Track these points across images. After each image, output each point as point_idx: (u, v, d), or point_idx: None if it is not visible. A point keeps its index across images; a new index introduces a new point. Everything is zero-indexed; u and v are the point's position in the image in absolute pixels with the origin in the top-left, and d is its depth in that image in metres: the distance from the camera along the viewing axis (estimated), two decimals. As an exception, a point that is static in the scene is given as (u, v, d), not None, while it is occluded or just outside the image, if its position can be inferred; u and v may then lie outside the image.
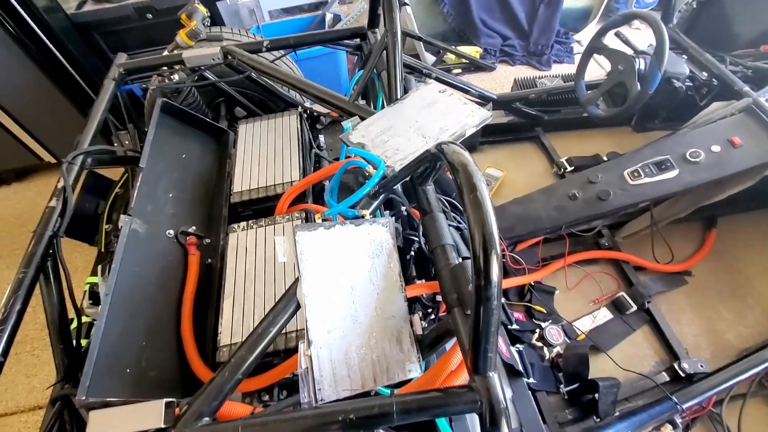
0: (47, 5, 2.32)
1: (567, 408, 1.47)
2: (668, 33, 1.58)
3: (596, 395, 1.39)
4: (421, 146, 1.12)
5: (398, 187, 1.30)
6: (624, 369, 1.55)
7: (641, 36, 3.58)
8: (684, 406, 1.32)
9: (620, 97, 2.15)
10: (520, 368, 1.32)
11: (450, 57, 3.65)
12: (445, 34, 3.79)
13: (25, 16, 2.22)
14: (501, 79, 3.63)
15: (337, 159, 1.58)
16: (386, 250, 1.01)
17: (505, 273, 1.77)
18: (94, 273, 1.60)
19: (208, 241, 1.39)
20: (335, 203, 1.08)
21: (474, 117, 1.18)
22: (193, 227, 1.37)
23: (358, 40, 1.93)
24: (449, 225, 1.08)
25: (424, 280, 1.34)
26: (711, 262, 1.90)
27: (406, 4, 3.36)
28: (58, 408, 1.04)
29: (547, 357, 1.60)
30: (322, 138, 1.73)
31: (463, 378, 0.85)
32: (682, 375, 1.53)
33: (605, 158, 2.20)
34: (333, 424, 0.71)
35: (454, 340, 0.90)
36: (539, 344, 1.63)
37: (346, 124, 1.30)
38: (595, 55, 1.93)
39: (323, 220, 0.98)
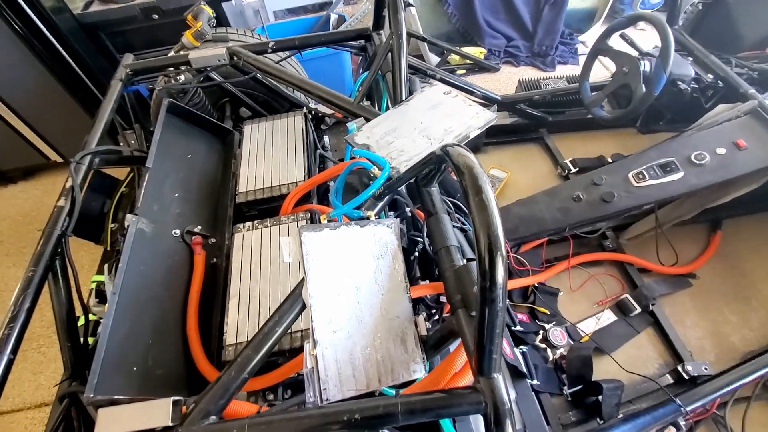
0: (54, 5, 2.34)
1: (570, 410, 1.47)
2: (673, 35, 1.58)
3: (600, 397, 1.39)
4: (426, 148, 1.13)
5: (402, 188, 1.30)
6: (628, 371, 1.55)
7: (646, 37, 3.57)
8: (688, 409, 1.32)
9: (625, 99, 2.15)
10: (524, 370, 1.32)
11: (454, 58, 3.65)
12: (449, 35, 3.80)
13: (33, 16, 2.24)
14: (505, 80, 3.63)
15: (341, 160, 1.59)
16: (391, 251, 1.01)
17: (509, 274, 1.77)
18: (99, 272, 1.61)
19: (213, 240, 1.40)
20: (340, 204, 1.09)
21: (479, 119, 1.19)
22: (199, 227, 1.38)
23: (362, 42, 1.93)
24: (453, 226, 1.08)
25: (428, 281, 1.34)
26: (716, 265, 1.90)
27: (410, 4, 3.37)
28: (65, 405, 1.05)
29: (550, 358, 1.60)
30: (326, 139, 1.73)
31: (467, 379, 0.85)
32: (686, 377, 1.53)
33: (610, 160, 2.19)
34: (338, 424, 0.72)
35: (459, 341, 0.91)
36: (543, 346, 1.63)
37: (351, 125, 1.31)
38: (599, 57, 1.92)
39: (329, 221, 0.99)
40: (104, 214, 1.81)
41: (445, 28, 3.76)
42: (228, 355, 1.05)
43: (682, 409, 1.30)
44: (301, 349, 1.05)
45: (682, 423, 1.37)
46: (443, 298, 1.33)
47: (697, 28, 2.28)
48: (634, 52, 1.79)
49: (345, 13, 3.55)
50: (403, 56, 1.30)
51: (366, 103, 1.59)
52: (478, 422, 1.25)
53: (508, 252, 1.77)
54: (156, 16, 2.58)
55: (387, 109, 1.54)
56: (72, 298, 1.11)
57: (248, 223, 1.31)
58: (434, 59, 3.66)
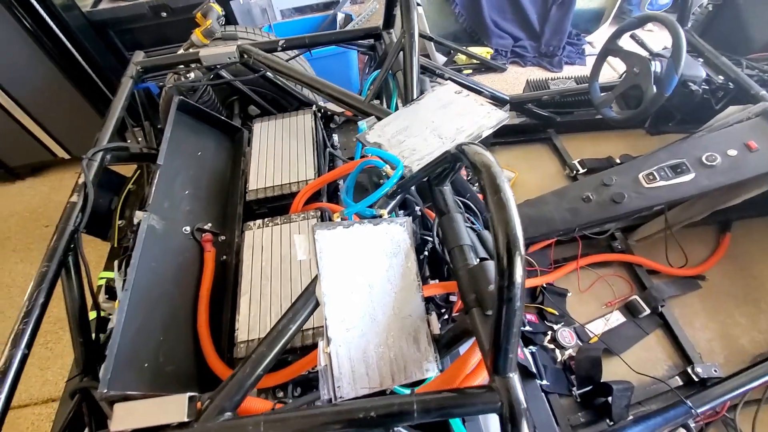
0: (64, 3, 2.35)
1: (579, 411, 1.46)
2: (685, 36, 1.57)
3: (609, 398, 1.39)
4: (438, 147, 1.13)
5: (412, 187, 1.30)
6: (637, 372, 1.55)
7: (654, 38, 3.56)
8: (698, 411, 1.31)
9: (633, 100, 2.14)
10: (534, 370, 1.32)
11: (461, 57, 3.64)
12: (456, 35, 3.79)
13: (43, 13, 2.25)
14: (512, 80, 3.63)
15: (351, 158, 1.59)
16: (404, 249, 1.01)
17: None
18: (107, 268, 1.62)
19: (223, 238, 1.40)
20: (352, 202, 1.09)
21: (491, 118, 1.19)
22: (209, 224, 1.38)
23: (371, 41, 1.93)
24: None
25: (437, 280, 1.34)
26: (725, 267, 1.89)
27: (418, 4, 3.37)
28: (77, 400, 1.06)
29: (559, 359, 1.60)
30: (335, 137, 1.73)
31: (481, 378, 0.85)
32: (696, 379, 1.52)
33: (618, 161, 2.19)
34: (354, 422, 0.72)
35: (472, 340, 0.91)
36: (551, 346, 1.62)
37: (361, 123, 1.31)
38: (608, 57, 1.92)
39: (342, 219, 0.99)
40: (111, 210, 1.82)
41: (452, 27, 3.76)
42: (240, 352, 1.05)
43: (693, 410, 1.29)
44: (311, 347, 1.05)
45: (692, 425, 1.36)
46: (453, 298, 1.33)
47: (706, 29, 2.27)
48: (644, 53, 1.78)
49: (352, 12, 3.55)
50: (414, 55, 1.30)
51: (375, 102, 1.59)
52: (487, 422, 1.25)
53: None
54: (164, 14, 2.59)
55: (396, 108, 1.54)
56: (84, 294, 1.12)
57: (259, 221, 1.32)
58: (441, 59, 3.66)
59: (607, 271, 1.91)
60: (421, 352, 0.92)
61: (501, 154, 2.39)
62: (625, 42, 1.87)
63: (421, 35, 2.05)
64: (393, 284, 0.96)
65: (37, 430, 2.04)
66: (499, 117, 1.18)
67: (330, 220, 1.29)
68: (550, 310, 1.72)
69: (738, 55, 2.09)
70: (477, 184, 2.02)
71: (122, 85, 1.56)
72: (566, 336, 1.63)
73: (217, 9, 1.93)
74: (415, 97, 1.32)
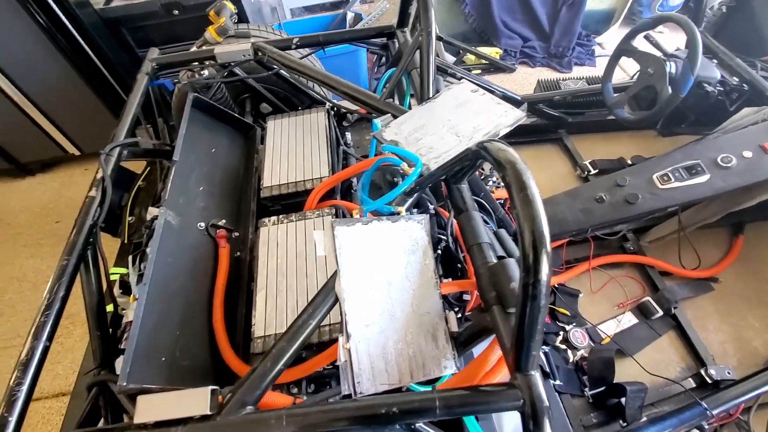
0: (78, 0, 2.36)
1: (592, 411, 1.46)
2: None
3: (622, 399, 1.38)
4: (455, 145, 1.13)
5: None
6: (651, 374, 1.54)
7: (663, 39, 3.53)
8: (713, 413, 1.30)
9: (645, 101, 2.13)
10: (547, 369, 1.32)
11: (470, 57, 3.64)
12: (465, 35, 3.79)
13: (57, 10, 2.27)
14: (521, 81, 3.62)
15: (365, 156, 1.59)
16: (422, 246, 1.01)
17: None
18: (117, 264, 1.62)
19: (236, 234, 1.40)
20: (369, 199, 1.09)
21: (508, 117, 1.19)
22: (223, 220, 1.39)
23: (384, 39, 1.94)
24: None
25: (450, 279, 1.34)
26: (738, 269, 1.88)
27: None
28: (94, 393, 1.07)
29: (571, 360, 1.59)
30: (348, 135, 1.74)
31: (501, 376, 0.85)
32: (709, 381, 1.51)
33: (630, 162, 2.18)
34: (376, 417, 0.72)
35: (490, 338, 0.91)
36: (563, 347, 1.62)
37: (377, 121, 1.31)
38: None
39: (361, 216, 0.99)
40: (122, 207, 1.83)
41: (462, 27, 3.76)
42: (257, 347, 1.05)
43: (708, 412, 1.29)
44: (328, 344, 1.05)
45: (705, 427, 1.35)
46: (466, 297, 1.33)
47: (719, 31, 2.25)
48: (658, 54, 1.78)
49: (361, 11, 3.55)
50: (431, 54, 1.30)
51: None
52: (501, 420, 1.25)
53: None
54: (176, 12, 2.60)
55: (409, 106, 1.54)
56: (102, 288, 1.12)
57: (273, 218, 1.32)
58: (450, 59, 3.65)
59: (619, 272, 1.90)
60: (439, 349, 0.92)
61: (511, 154, 2.38)
62: (638, 43, 1.87)
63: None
64: (411, 281, 0.97)
65: (47, 424, 2.05)
66: (517, 116, 1.18)
67: (344, 217, 1.30)
68: (562, 310, 1.71)
69: (752, 56, 2.08)
70: (489, 183, 2.02)
71: (138, 81, 1.57)
72: (578, 336, 1.63)
73: (231, 7, 1.94)
74: (431, 95, 1.32)
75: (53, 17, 2.28)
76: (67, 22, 2.32)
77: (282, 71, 1.72)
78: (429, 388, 0.89)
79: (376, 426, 0.79)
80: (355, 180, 1.52)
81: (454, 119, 1.21)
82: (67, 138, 2.95)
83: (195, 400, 0.75)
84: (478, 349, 1.04)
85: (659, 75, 1.68)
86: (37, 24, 2.27)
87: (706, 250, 1.90)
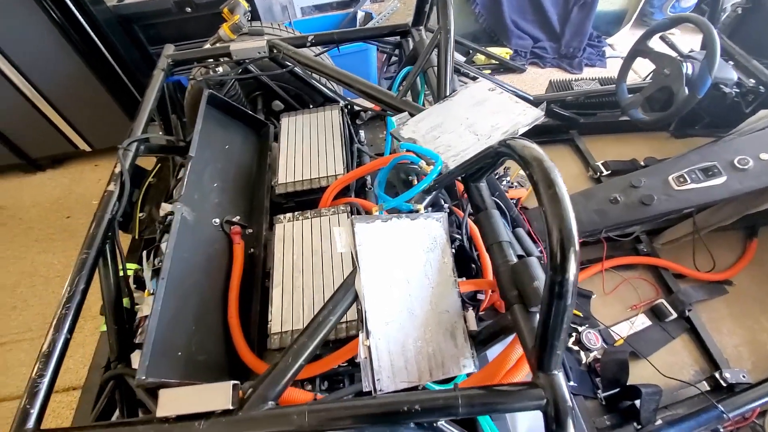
0: (92, -3, 2.38)
1: (605, 413, 1.45)
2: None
3: (636, 402, 1.37)
4: (473, 143, 1.12)
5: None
6: (665, 376, 1.53)
7: (675, 41, 3.51)
8: (730, 416, 1.29)
9: (658, 102, 2.11)
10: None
11: (480, 57, 3.63)
12: (475, 35, 3.78)
13: (72, 6, 2.28)
14: (531, 81, 3.60)
15: (379, 154, 1.59)
16: (440, 245, 1.01)
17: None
18: (127, 260, 1.63)
19: (250, 231, 1.41)
20: (386, 196, 1.09)
21: (526, 116, 1.18)
22: (237, 217, 1.39)
23: (397, 38, 1.94)
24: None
25: (464, 278, 1.34)
26: (753, 272, 1.86)
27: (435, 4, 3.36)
28: (111, 387, 1.07)
29: (583, 361, 1.58)
30: (362, 133, 1.73)
31: (521, 375, 0.85)
32: (724, 385, 1.50)
33: (642, 163, 2.16)
34: (398, 414, 0.72)
35: (510, 337, 0.91)
36: (576, 348, 1.61)
37: (393, 119, 1.31)
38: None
39: (380, 213, 0.99)
40: (132, 203, 1.83)
41: (472, 27, 3.75)
42: (273, 343, 1.05)
43: (725, 415, 1.28)
44: (345, 341, 1.05)
45: (720, 430, 1.34)
46: (480, 296, 1.32)
47: (734, 32, 2.23)
48: (673, 54, 1.76)
49: (372, 10, 3.55)
50: (450, 52, 1.29)
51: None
52: (515, 420, 1.25)
53: (542, 251, 1.75)
54: (189, 9, 2.61)
55: (423, 105, 1.54)
56: (120, 283, 1.13)
57: (288, 214, 1.32)
58: (460, 59, 3.64)
59: (631, 274, 1.89)
60: (458, 348, 0.92)
61: (523, 154, 2.37)
62: (653, 44, 1.85)
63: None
64: (430, 279, 0.96)
65: (58, 418, 2.06)
66: (535, 115, 1.17)
67: (359, 215, 1.29)
68: (574, 311, 1.70)
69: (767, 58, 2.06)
70: (503, 183, 2.01)
71: (154, 77, 1.57)
72: (591, 338, 1.61)
73: (244, 4, 1.94)
74: (448, 93, 1.31)
75: (67, 13, 2.30)
76: (81, 19, 2.33)
77: (296, 69, 1.72)
78: (444, 387, 0.89)
79: (397, 423, 0.79)
80: (369, 178, 1.52)
81: (471, 118, 1.20)
82: (78, 134, 2.97)
83: (216, 395, 0.75)
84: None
85: (676, 76, 1.67)
86: (51, 20, 2.28)
87: (720, 252, 1.88)
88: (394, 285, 0.92)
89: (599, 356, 1.58)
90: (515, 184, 2.06)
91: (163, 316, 1.01)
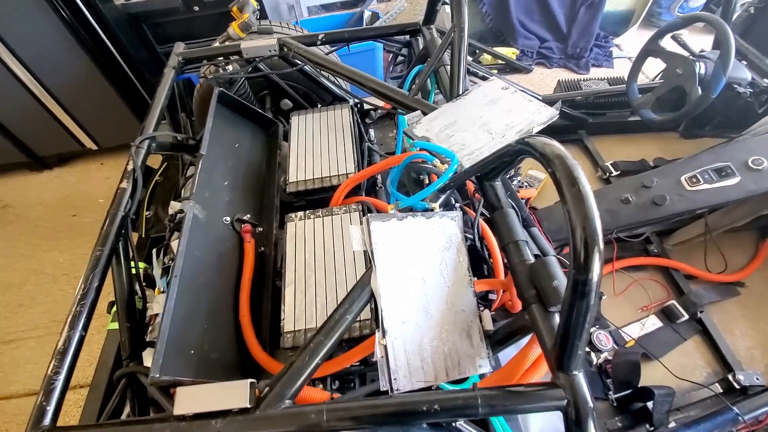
0: (100, -5, 2.37)
1: (616, 415, 1.44)
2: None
3: (648, 404, 1.36)
4: (488, 142, 1.11)
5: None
6: (678, 377, 1.51)
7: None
8: (745, 418, 1.28)
9: (667, 103, 2.10)
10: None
11: (486, 57, 3.62)
12: (481, 35, 3.77)
13: (80, 4, 2.28)
14: (537, 82, 3.59)
15: (389, 153, 1.58)
16: (455, 243, 1.00)
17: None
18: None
19: (260, 229, 1.40)
20: (400, 194, 1.08)
21: (541, 114, 1.17)
22: (248, 215, 1.38)
23: (407, 37, 1.93)
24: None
25: (475, 278, 1.33)
26: (765, 273, 1.84)
27: (445, 2, 3.35)
28: (123, 385, 1.07)
29: (594, 362, 1.57)
30: (372, 132, 1.73)
31: (539, 375, 0.84)
32: (737, 387, 1.48)
33: (652, 164, 2.15)
34: (417, 414, 0.71)
35: (527, 337, 0.90)
36: (587, 349, 1.59)
37: (406, 118, 1.30)
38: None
39: (396, 211, 0.98)
40: (139, 202, 1.83)
41: (479, 27, 3.74)
42: (286, 341, 1.05)
43: (740, 418, 1.26)
44: (358, 339, 1.04)
45: (734, 433, 1.33)
46: (492, 296, 1.31)
47: (747, 31, 2.21)
48: (685, 54, 1.75)
49: (378, 10, 3.54)
50: (463, 50, 1.29)
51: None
52: (527, 421, 1.24)
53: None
54: (197, 8, 2.60)
55: (433, 103, 1.53)
56: (132, 280, 1.12)
57: (300, 213, 1.31)
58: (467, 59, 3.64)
59: (642, 275, 1.88)
60: (474, 347, 0.91)
61: (531, 154, 2.36)
62: (664, 43, 1.84)
63: (443, 34, 2.05)
64: (446, 278, 0.96)
65: (65, 416, 2.06)
66: (550, 114, 1.16)
67: (370, 213, 1.29)
68: (584, 312, 1.69)
69: (780, 58, 2.04)
70: (514, 183, 2.00)
71: (165, 75, 1.57)
72: (602, 339, 1.59)
73: (253, 3, 1.94)
74: (461, 92, 1.31)
75: (76, 11, 2.30)
76: (90, 17, 2.33)
77: (306, 67, 1.72)
78: (457, 387, 0.88)
79: (416, 423, 0.79)
80: (379, 177, 1.51)
81: (485, 116, 1.20)
82: (85, 132, 2.97)
83: (234, 393, 0.74)
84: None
85: (688, 76, 1.66)
86: (59, 18, 2.28)
87: (731, 253, 1.86)
88: (409, 284, 0.91)
89: (610, 357, 1.57)
90: (525, 184, 2.05)
91: (176, 314, 1.00)
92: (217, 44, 1.84)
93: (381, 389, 0.79)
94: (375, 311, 1.03)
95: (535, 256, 0.97)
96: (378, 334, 0.84)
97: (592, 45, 3.64)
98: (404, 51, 2.68)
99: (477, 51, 3.63)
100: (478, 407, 0.71)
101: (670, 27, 1.75)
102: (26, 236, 2.80)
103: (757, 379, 1.49)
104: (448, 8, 3.36)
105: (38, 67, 2.51)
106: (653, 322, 1.73)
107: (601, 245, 0.63)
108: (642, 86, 2.02)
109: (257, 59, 1.65)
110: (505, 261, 1.23)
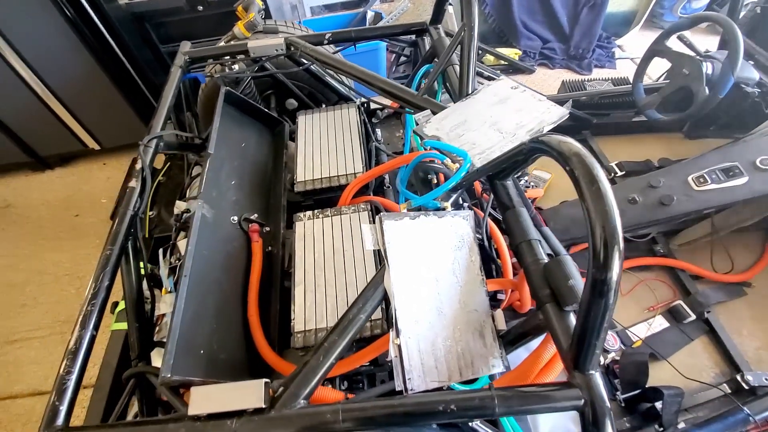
0: (105, -6, 2.37)
1: (625, 416, 1.43)
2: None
3: (657, 404, 1.35)
4: (498, 141, 1.11)
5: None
6: (687, 378, 1.51)
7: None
8: (756, 419, 1.27)
9: (672, 103, 2.10)
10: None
11: (488, 58, 3.62)
12: (484, 35, 3.77)
13: (85, 3, 2.28)
14: (539, 82, 3.59)
15: (397, 153, 1.58)
16: (467, 243, 1.00)
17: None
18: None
19: (267, 229, 1.40)
20: (410, 193, 1.08)
21: (551, 114, 1.17)
22: (255, 215, 1.38)
23: (413, 36, 1.93)
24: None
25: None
26: (772, 273, 1.84)
27: (449, 3, 3.35)
28: (132, 385, 1.06)
29: (601, 362, 1.56)
30: (378, 131, 1.73)
31: (554, 374, 0.83)
32: (746, 387, 1.48)
33: (657, 164, 2.15)
34: (433, 414, 0.71)
35: (541, 337, 0.89)
36: (595, 349, 1.59)
37: (415, 117, 1.30)
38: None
39: (409, 210, 0.98)
40: (145, 201, 1.82)
41: (481, 27, 3.74)
42: (297, 341, 1.04)
43: (751, 418, 1.26)
44: (369, 339, 1.04)
45: (744, 434, 1.33)
46: (501, 296, 1.31)
47: (753, 31, 2.21)
48: (692, 54, 1.75)
49: (381, 10, 3.54)
50: (473, 49, 1.28)
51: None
52: (536, 421, 1.23)
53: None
54: (201, 8, 2.60)
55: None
56: (141, 280, 1.12)
57: (308, 212, 1.31)
58: (470, 59, 3.63)
59: (648, 275, 1.87)
60: (487, 347, 0.90)
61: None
62: (670, 43, 1.84)
63: (450, 34, 2.05)
64: (458, 278, 0.95)
65: (69, 416, 2.05)
66: (560, 113, 1.16)
67: (379, 212, 1.28)
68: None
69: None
70: (521, 182, 2.00)
71: (171, 74, 1.57)
72: (609, 339, 1.60)
73: (258, 2, 1.94)
74: (470, 91, 1.30)
75: (80, 10, 2.29)
76: (94, 16, 2.33)
77: (312, 67, 1.72)
78: (469, 387, 0.88)
79: (431, 422, 0.78)
80: (387, 176, 1.51)
81: (495, 115, 1.20)
82: (87, 132, 2.97)
83: (248, 393, 0.74)
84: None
85: (695, 76, 1.66)
86: (63, 17, 2.28)
87: (738, 253, 1.86)
88: (422, 283, 0.91)
89: (617, 358, 1.57)
90: (531, 184, 2.05)
91: (185, 314, 1.00)
92: (222, 43, 1.84)
93: (396, 389, 0.78)
94: (386, 311, 1.03)
95: (548, 255, 0.97)
96: (392, 334, 0.84)
97: (595, 46, 3.64)
98: (407, 51, 2.67)
99: (480, 51, 3.64)
100: (495, 407, 0.70)
101: (676, 27, 1.75)
102: (29, 236, 2.79)
103: (766, 379, 1.49)
104: (451, 9, 3.37)
105: (41, 66, 2.50)
106: (660, 323, 1.72)
107: (621, 244, 0.62)
108: (647, 86, 2.02)
109: (264, 58, 1.65)
110: (514, 260, 1.23)
